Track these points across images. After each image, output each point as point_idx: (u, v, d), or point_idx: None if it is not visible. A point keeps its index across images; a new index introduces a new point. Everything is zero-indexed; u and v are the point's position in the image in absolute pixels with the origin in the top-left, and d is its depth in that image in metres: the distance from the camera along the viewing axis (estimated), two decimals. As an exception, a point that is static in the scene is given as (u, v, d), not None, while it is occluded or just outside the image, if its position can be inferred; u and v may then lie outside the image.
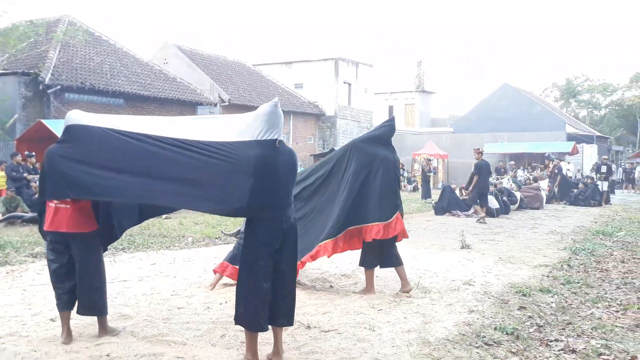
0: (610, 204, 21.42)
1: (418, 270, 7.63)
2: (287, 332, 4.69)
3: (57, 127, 13.23)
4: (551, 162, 23.78)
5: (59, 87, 18.33)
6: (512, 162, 29.85)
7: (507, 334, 4.98)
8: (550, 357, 4.52)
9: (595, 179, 22.31)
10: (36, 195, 10.46)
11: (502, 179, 22.75)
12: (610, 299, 6.49)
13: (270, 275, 4.07)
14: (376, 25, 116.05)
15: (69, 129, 4.38)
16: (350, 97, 35.36)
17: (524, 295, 6.40)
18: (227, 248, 8.22)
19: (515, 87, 41.23)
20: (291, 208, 4.22)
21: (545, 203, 19.70)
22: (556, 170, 22.49)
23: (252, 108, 5.23)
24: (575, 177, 26.04)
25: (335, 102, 33.94)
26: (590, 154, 34.54)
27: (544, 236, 11.94)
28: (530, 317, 5.59)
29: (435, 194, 20.59)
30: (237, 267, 4.89)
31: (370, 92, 38.08)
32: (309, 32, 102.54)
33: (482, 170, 14.60)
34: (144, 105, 21.37)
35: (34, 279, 6.87)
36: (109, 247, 5.09)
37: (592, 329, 5.26)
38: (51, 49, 19.71)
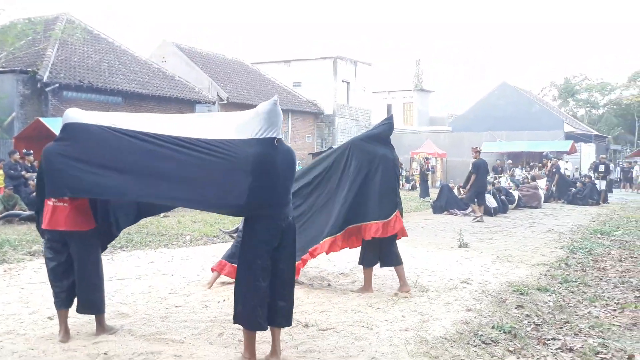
0: (608, 203, 21.46)
1: (416, 269, 7.64)
2: (284, 331, 4.69)
3: (55, 125, 13.21)
4: (549, 161, 23.80)
5: (57, 85, 18.29)
6: (510, 161, 29.86)
7: (504, 332, 4.99)
8: (548, 355, 4.53)
9: (593, 178, 22.34)
10: (34, 194, 10.44)
11: (500, 177, 22.76)
12: (608, 297, 6.50)
13: (268, 274, 4.06)
14: (375, 25, 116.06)
15: (67, 127, 4.37)
16: (349, 96, 35.33)
17: (522, 293, 6.41)
18: (225, 246, 8.22)
19: (513, 86, 41.26)
20: (289, 206, 4.22)
21: (543, 202, 19.74)
22: (554, 169, 22.52)
23: (251, 106, 5.23)
24: (573, 176, 26.06)
25: (334, 100, 33.92)
26: (588, 153, 34.59)
27: (542, 235, 11.96)
28: (527, 315, 5.60)
29: (434, 193, 20.60)
30: (235, 265, 4.89)
31: (368, 90, 38.05)
32: (307, 31, 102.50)
33: (479, 169, 14.61)
34: (142, 103, 21.34)
35: (32, 277, 6.86)
36: (107, 245, 5.09)
37: (589, 328, 5.27)
38: (49, 46, 19.66)
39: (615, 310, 5.98)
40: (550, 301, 6.21)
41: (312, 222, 6.42)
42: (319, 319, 5.28)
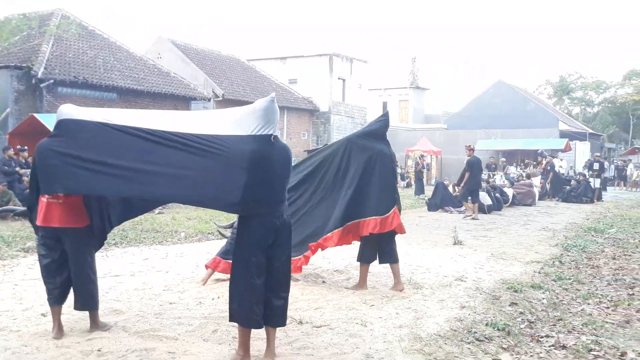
0: (602, 200, 21.54)
1: (410, 266, 7.66)
2: (279, 328, 4.69)
3: (49, 121, 13.16)
4: (544, 159, 23.86)
5: (51, 81, 18.21)
6: (504, 159, 29.93)
7: (498, 329, 5.01)
8: (541, 352, 4.54)
9: (587, 176, 22.40)
10: (28, 190, 10.42)
11: (494, 175, 22.81)
12: (601, 295, 6.53)
13: (263, 272, 4.05)
14: (370, 22, 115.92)
15: (61, 124, 4.35)
16: (345, 93, 35.31)
17: (516, 291, 6.43)
18: (220, 243, 8.21)
19: (509, 84, 41.33)
20: (285, 204, 4.20)
21: (538, 200, 19.79)
22: (549, 167, 22.58)
23: (246, 103, 5.23)
24: (568, 174, 26.13)
25: (330, 97, 33.90)
26: (582, 151, 34.67)
27: (536, 233, 11.99)
28: (521, 313, 5.62)
29: (429, 190, 20.64)
30: (230, 261, 4.89)
31: (364, 88, 38.03)
32: (303, 28, 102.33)
33: (473, 167, 14.65)
34: (137, 99, 21.28)
35: (26, 274, 6.84)
36: (103, 242, 5.06)
37: (582, 325, 5.29)
38: (44, 42, 19.57)
39: (608, 307, 6.01)
40: (544, 298, 6.23)
41: (309, 218, 6.42)
42: (313, 315, 5.29)
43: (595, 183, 22.03)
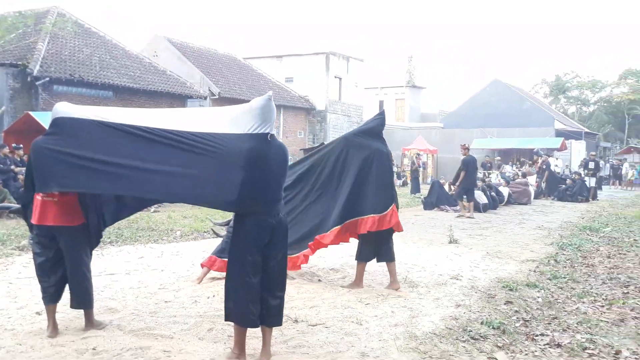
0: (598, 199, 21.60)
1: (406, 264, 7.66)
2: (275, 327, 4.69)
3: (45, 119, 13.12)
4: (539, 158, 23.91)
5: (47, 78, 18.15)
6: (499, 158, 30.00)
7: (493, 328, 5.01)
8: (536, 351, 4.55)
9: (583, 175, 22.45)
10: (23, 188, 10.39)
11: (490, 174, 22.85)
12: (596, 294, 6.54)
13: (259, 270, 4.04)
14: (367, 20, 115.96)
15: (57, 122, 4.33)
16: (341, 92, 35.30)
17: (511, 289, 6.44)
18: (215, 242, 8.20)
19: (505, 83, 41.38)
20: (281, 203, 4.19)
21: (533, 198, 19.84)
22: (544, 166, 22.62)
23: (242, 102, 5.22)
24: (563, 173, 26.18)
25: (326, 96, 33.89)
26: (578, 150, 34.79)
27: (532, 231, 12.02)
28: (516, 311, 5.63)
29: (425, 189, 20.67)
30: (226, 260, 4.88)
31: (360, 86, 38.04)
32: (300, 27, 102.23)
33: (468, 165, 14.69)
34: (133, 98, 21.23)
35: (20, 272, 6.83)
36: (99, 241, 5.05)
37: (577, 324, 5.30)
38: (40, 40, 19.50)
39: (603, 306, 6.02)
40: (539, 297, 6.24)
41: (306, 216, 6.43)
42: (308, 314, 5.29)
43: (591, 182, 22.10)
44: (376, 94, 48.04)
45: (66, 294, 4.65)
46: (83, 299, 4.62)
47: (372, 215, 6.13)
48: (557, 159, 27.82)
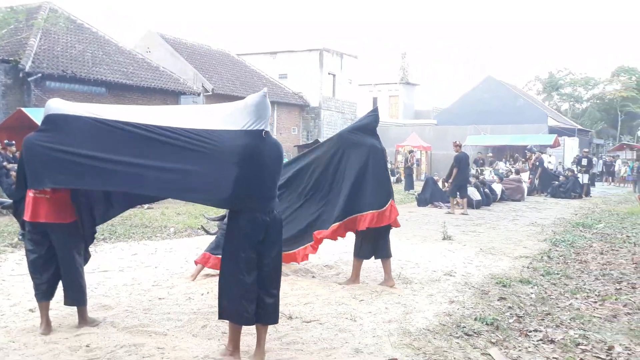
0: (591, 196, 21.70)
1: (400, 261, 7.67)
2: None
3: (37, 115, 13.03)
4: (533, 155, 24.00)
5: (39, 75, 18.05)
6: (490, 155, 30.10)
7: (487, 324, 5.03)
8: (529, 347, 4.57)
9: (576, 172, 22.56)
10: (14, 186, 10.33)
11: (484, 171, 22.92)
12: (589, 290, 6.57)
13: (253, 268, 4.01)
14: (362, 18, 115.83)
15: (49, 118, 4.31)
16: (335, 88, 35.31)
17: (504, 286, 6.46)
18: (209, 239, 8.19)
19: (498, 80, 41.46)
20: (275, 201, 4.17)
21: (527, 195, 19.90)
22: (537, 163, 22.71)
23: (236, 98, 5.20)
24: (557, 169, 26.30)
25: (320, 93, 33.88)
26: (571, 147, 34.92)
27: (525, 228, 12.06)
28: (510, 307, 5.65)
29: (418, 186, 20.70)
30: (219, 257, 4.86)
31: (354, 83, 38.05)
32: (295, 24, 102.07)
33: (461, 162, 14.76)
34: (126, 94, 21.14)
35: (13, 269, 6.79)
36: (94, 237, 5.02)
37: (570, 320, 5.33)
38: (32, 36, 19.38)
39: (596, 302, 6.05)
40: (532, 293, 6.27)
41: (302, 214, 6.45)
42: (303, 310, 5.29)
43: (584, 178, 22.23)
44: (370, 91, 48.05)
45: (59, 291, 4.63)
46: (77, 296, 4.61)
47: (371, 211, 6.13)
48: (550, 155, 27.94)
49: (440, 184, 17.44)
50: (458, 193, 14.84)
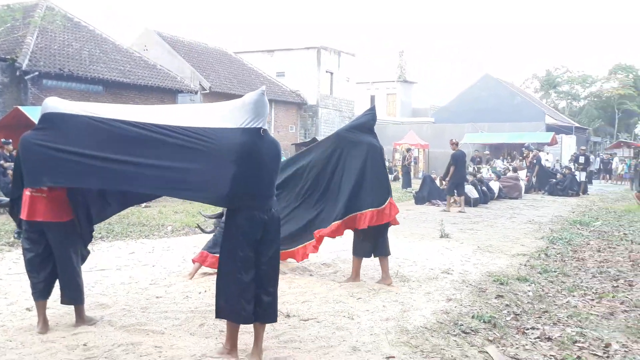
0: (588, 194, 21.74)
1: (397, 259, 7.66)
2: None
3: (34, 114, 13.01)
4: (530, 153, 24.03)
5: (36, 73, 18.00)
6: (487, 152, 30.13)
7: (484, 322, 5.04)
8: (527, 344, 4.58)
9: (573, 170, 22.57)
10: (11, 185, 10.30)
11: (482, 169, 22.93)
12: (586, 287, 6.59)
13: (251, 266, 4.00)
14: (360, 16, 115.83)
15: (46, 117, 4.30)
16: (332, 86, 35.27)
17: (502, 283, 6.47)
18: (206, 237, 8.18)
19: (496, 78, 41.52)
20: (273, 199, 4.16)
21: (524, 193, 19.93)
22: (534, 161, 22.73)
23: (234, 96, 5.20)
24: (554, 167, 26.33)
25: (317, 91, 33.85)
26: (568, 145, 34.96)
27: (522, 225, 12.08)
28: (507, 305, 5.66)
29: (416, 184, 20.70)
30: (217, 255, 4.86)
31: (352, 81, 38.02)
32: (294, 26, 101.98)
33: (458, 160, 14.79)
34: (123, 92, 21.10)
35: (10, 268, 6.78)
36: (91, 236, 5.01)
37: (567, 317, 5.34)
38: (28, 34, 19.32)
39: (593, 299, 6.06)
40: (529, 291, 6.28)
41: (299, 213, 6.46)
42: (300, 309, 5.29)
43: (581, 176, 22.22)
44: (367, 89, 48.05)
45: (56, 290, 4.63)
46: (74, 295, 4.60)
47: (370, 209, 6.14)
48: (547, 153, 27.99)
49: (437, 182, 17.45)
50: (455, 191, 14.87)
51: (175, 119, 4.15)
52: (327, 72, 34.67)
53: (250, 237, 3.99)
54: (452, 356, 4.22)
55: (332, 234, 6.32)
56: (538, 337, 4.74)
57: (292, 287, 6.10)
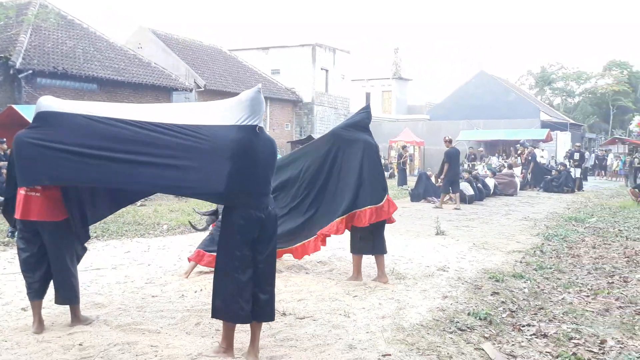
0: (583, 190, 21.79)
1: (393, 256, 7.66)
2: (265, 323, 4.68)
3: (28, 112, 12.98)
4: (525, 149, 24.09)
5: (30, 71, 17.92)
6: (481, 149, 30.19)
7: (480, 319, 5.04)
8: (523, 341, 4.59)
9: (568, 166, 22.65)
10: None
11: (477, 166, 22.97)
12: (582, 284, 6.60)
13: (248, 265, 3.98)
14: (354, 11, 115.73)
15: (40, 116, 4.28)
16: (328, 84, 35.25)
17: (497, 280, 6.48)
18: (202, 236, 8.17)
19: (491, 75, 41.60)
20: (269, 197, 4.16)
21: (519, 190, 19.96)
22: (530, 157, 22.78)
23: (229, 94, 5.20)
24: (549, 164, 26.39)
25: (313, 88, 33.82)
26: (563, 141, 35.06)
27: (518, 222, 12.10)
28: (503, 302, 5.67)
29: (412, 181, 20.72)
30: (214, 254, 4.84)
31: (347, 78, 38.01)
32: (290, 26, 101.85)
33: (451, 158, 14.82)
34: (117, 90, 21.03)
35: (5, 268, 6.76)
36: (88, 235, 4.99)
37: (563, 314, 5.35)
38: (22, 32, 19.23)
39: (588, 296, 6.08)
40: (525, 288, 6.29)
41: (296, 212, 6.45)
42: (296, 307, 5.29)
43: (576, 173, 22.31)
44: (363, 86, 48.03)
45: (51, 290, 4.61)
46: (68, 295, 4.58)
47: (369, 207, 6.14)
48: (542, 150, 28.04)
49: (433, 179, 17.47)
50: (450, 188, 14.90)
51: (170, 117, 4.14)
52: (322, 69, 34.65)
53: (247, 235, 3.98)
54: (448, 353, 4.23)
55: (335, 232, 6.33)
56: (534, 334, 4.76)
57: (288, 286, 6.10)
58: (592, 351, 4.42)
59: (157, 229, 10.10)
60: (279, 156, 5.71)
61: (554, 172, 21.93)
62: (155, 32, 29.32)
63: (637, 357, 4.30)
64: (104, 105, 4.63)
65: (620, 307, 5.66)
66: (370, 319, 4.96)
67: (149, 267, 7.05)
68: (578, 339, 4.65)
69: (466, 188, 16.02)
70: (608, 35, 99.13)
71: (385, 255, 6.53)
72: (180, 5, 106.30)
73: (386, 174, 27.24)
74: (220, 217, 4.64)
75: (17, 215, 4.45)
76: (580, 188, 21.74)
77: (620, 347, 4.51)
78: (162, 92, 22.86)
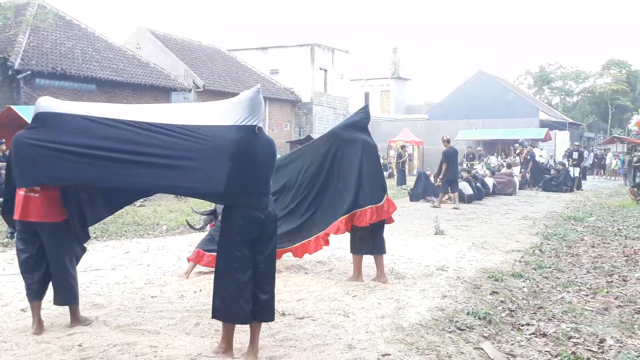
0: (582, 189, 21.81)
1: (392, 256, 7.67)
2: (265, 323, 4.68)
3: (27, 113, 12.96)
4: (524, 149, 24.09)
5: (29, 72, 17.90)
6: (479, 149, 30.20)
7: (479, 318, 5.05)
8: (522, 341, 4.59)
9: (567, 165, 22.65)
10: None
11: (476, 165, 22.98)
12: (581, 283, 6.61)
13: (249, 265, 3.98)
14: (352, 11, 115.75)
15: (39, 116, 4.28)
16: (327, 84, 35.22)
17: (497, 280, 6.48)
18: (201, 236, 8.17)
19: (489, 74, 41.58)
20: (269, 197, 4.16)
21: (518, 189, 19.97)
22: (529, 157, 22.79)
23: (227, 94, 5.20)
24: (548, 163, 26.41)
25: (311, 88, 33.79)
26: (562, 141, 35.07)
27: (517, 222, 12.10)
28: (502, 301, 5.67)
29: (410, 181, 20.72)
30: (213, 254, 4.84)
31: (346, 78, 37.98)
32: (288, 26, 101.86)
33: (450, 158, 14.84)
34: (116, 91, 21.01)
35: (4, 269, 6.76)
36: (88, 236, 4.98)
37: (562, 313, 5.36)
38: (20, 32, 19.21)
39: (587, 295, 6.09)
40: (524, 287, 6.29)
41: (295, 212, 6.45)
42: (295, 307, 5.29)
43: (575, 172, 22.31)
44: (362, 86, 48.03)
45: (51, 290, 4.61)
46: (67, 296, 4.57)
47: (369, 206, 6.15)
48: (541, 149, 28.05)
49: (432, 179, 17.48)
50: (449, 188, 14.92)
51: (170, 117, 4.14)
52: (321, 69, 34.62)
53: (247, 235, 3.98)
54: (447, 353, 4.23)
55: (335, 232, 6.33)
56: (533, 333, 4.76)
57: (287, 286, 6.10)
58: (591, 350, 4.43)
59: (156, 230, 10.10)
60: (278, 156, 5.72)
61: (552, 172, 21.93)
62: (153, 32, 29.29)
63: (637, 356, 4.31)
64: (103, 105, 4.64)
65: (620, 306, 5.67)
66: (369, 319, 4.96)
67: (148, 267, 7.05)
68: (577, 338, 4.66)
69: (465, 187, 16.03)
70: (606, 35, 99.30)
71: (384, 255, 6.53)
72: (179, 5, 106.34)
73: (385, 173, 27.34)
74: (218, 217, 4.65)
75: (16, 216, 4.45)
76: (579, 187, 21.76)
77: (619, 346, 4.52)
78: (161, 92, 22.84)
